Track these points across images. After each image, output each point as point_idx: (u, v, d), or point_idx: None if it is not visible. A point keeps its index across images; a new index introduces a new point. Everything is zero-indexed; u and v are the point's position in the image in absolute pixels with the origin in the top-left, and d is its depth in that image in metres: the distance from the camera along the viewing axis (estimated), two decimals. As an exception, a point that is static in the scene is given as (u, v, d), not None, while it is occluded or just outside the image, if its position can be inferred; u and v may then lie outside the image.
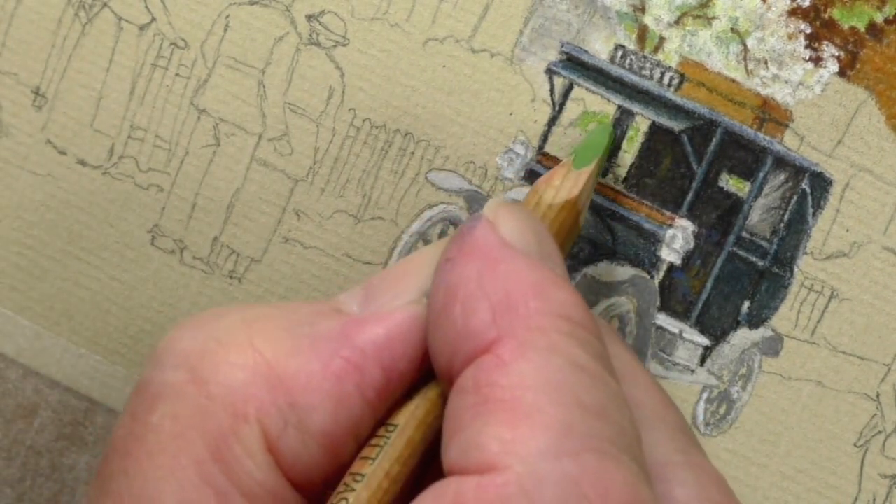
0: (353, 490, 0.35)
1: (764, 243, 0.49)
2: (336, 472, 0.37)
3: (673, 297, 0.49)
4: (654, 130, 0.48)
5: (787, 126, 0.48)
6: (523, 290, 0.35)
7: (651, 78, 0.48)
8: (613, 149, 0.49)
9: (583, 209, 0.42)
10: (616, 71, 0.48)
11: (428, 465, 0.36)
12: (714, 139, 0.48)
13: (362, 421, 0.37)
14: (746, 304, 0.49)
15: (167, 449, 0.36)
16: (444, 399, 0.36)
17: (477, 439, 0.33)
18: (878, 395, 0.48)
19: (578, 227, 0.43)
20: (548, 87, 0.48)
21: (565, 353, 0.34)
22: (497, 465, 0.32)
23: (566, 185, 0.42)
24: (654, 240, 0.48)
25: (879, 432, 0.49)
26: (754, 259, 0.49)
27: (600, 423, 0.33)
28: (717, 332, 0.49)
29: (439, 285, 0.36)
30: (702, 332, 0.49)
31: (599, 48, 0.48)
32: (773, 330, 0.49)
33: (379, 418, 0.37)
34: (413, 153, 0.49)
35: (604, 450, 0.33)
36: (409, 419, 0.36)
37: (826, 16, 0.47)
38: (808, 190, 0.48)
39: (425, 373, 0.37)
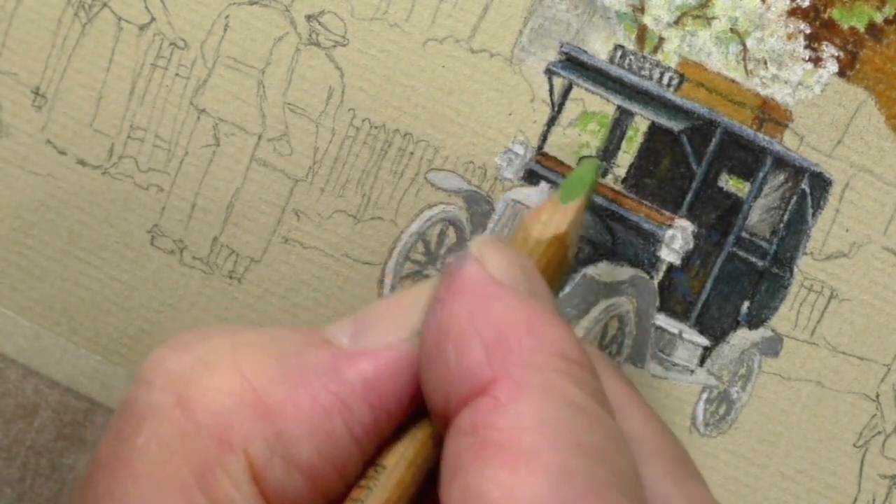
0: None
1: (764, 243, 0.49)
2: None
3: (673, 297, 0.49)
4: (654, 130, 0.48)
5: (786, 126, 0.48)
6: (516, 327, 0.35)
7: (650, 78, 0.48)
8: (613, 149, 0.49)
9: (571, 244, 0.42)
10: (615, 71, 0.48)
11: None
12: (714, 139, 0.48)
13: (349, 457, 0.37)
14: (746, 304, 0.49)
15: (153, 473, 0.35)
16: (434, 439, 0.36)
17: (476, 483, 0.33)
18: (877, 396, 0.48)
19: (568, 261, 0.42)
20: (547, 87, 0.48)
21: (562, 392, 0.34)
22: None
23: (554, 219, 0.41)
24: (653, 240, 0.48)
25: (879, 432, 0.49)
26: (754, 259, 0.49)
27: (600, 467, 0.33)
28: (716, 332, 0.49)
29: (431, 325, 0.36)
30: (701, 332, 0.49)
31: (599, 48, 0.48)
32: (772, 330, 0.49)
33: (366, 457, 0.37)
34: (413, 153, 0.49)
35: (604, 495, 0.33)
36: (399, 460, 0.36)
37: (826, 16, 0.47)
38: (807, 190, 0.48)
39: (414, 412, 0.37)
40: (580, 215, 0.42)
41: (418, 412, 0.37)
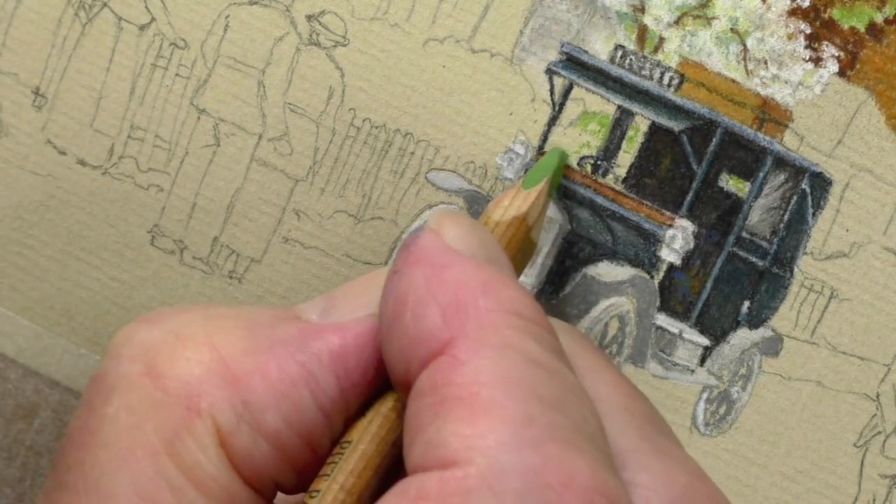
0: None
1: (764, 243, 0.49)
2: (288, 473, 0.37)
3: (673, 297, 0.49)
4: (654, 130, 0.48)
5: (786, 126, 0.48)
6: (472, 290, 0.35)
7: (651, 78, 0.48)
8: (613, 149, 0.49)
9: (534, 226, 0.43)
10: (616, 71, 0.48)
11: (390, 479, 0.37)
12: (714, 139, 0.48)
13: (315, 427, 0.37)
14: (746, 304, 0.49)
15: (122, 441, 0.36)
16: (398, 411, 0.37)
17: (437, 437, 0.33)
18: (878, 396, 0.48)
19: (532, 244, 0.43)
20: (548, 87, 0.48)
21: (519, 348, 0.34)
22: (458, 460, 0.32)
23: (515, 203, 0.42)
24: (653, 240, 0.48)
25: (879, 432, 0.49)
26: (754, 259, 0.49)
27: (559, 415, 0.33)
28: (717, 332, 0.49)
29: (388, 295, 0.37)
30: (702, 332, 0.49)
31: (599, 48, 0.48)
32: (773, 330, 0.49)
33: (334, 429, 0.38)
34: (413, 153, 0.49)
35: (566, 439, 0.33)
36: (363, 433, 0.37)
37: (826, 16, 0.47)
38: (807, 190, 0.48)
39: (380, 386, 0.38)
40: (543, 199, 0.43)
41: (384, 387, 0.38)
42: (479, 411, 0.33)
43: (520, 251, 0.42)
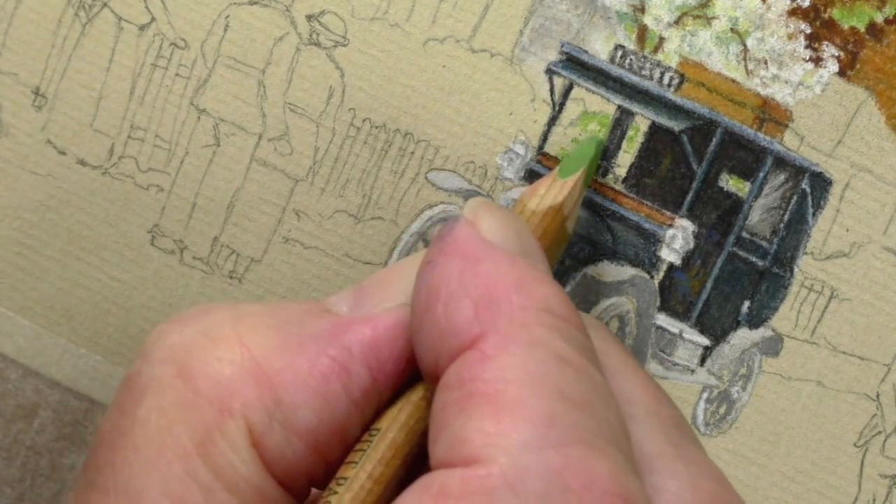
0: (335, 493, 0.35)
1: (764, 243, 0.49)
2: (321, 470, 0.37)
3: (673, 297, 0.49)
4: (654, 130, 0.48)
5: (787, 126, 0.48)
6: (505, 285, 0.35)
7: (651, 78, 0.48)
8: (613, 149, 0.49)
9: (569, 216, 0.42)
10: (616, 71, 0.48)
11: (418, 468, 0.36)
12: (714, 139, 0.48)
13: (348, 421, 0.37)
14: (746, 304, 0.49)
15: (153, 442, 0.36)
16: (428, 401, 0.36)
17: (461, 433, 0.33)
18: (878, 395, 0.48)
19: (566, 234, 0.43)
20: (548, 87, 0.48)
21: (548, 346, 0.34)
22: (481, 458, 0.32)
23: (551, 192, 0.42)
24: (653, 240, 0.48)
25: (879, 432, 0.49)
26: (754, 259, 0.49)
27: (584, 416, 0.33)
28: (717, 332, 0.49)
29: (421, 286, 0.36)
30: (702, 332, 0.49)
31: (599, 48, 0.48)
32: (773, 330, 0.49)
33: (366, 421, 0.37)
34: (413, 153, 0.49)
35: (589, 441, 0.33)
36: (393, 422, 0.37)
37: (826, 16, 0.47)
38: (808, 190, 0.48)
39: (412, 376, 0.38)
40: (578, 189, 0.43)
41: (416, 376, 0.37)
42: (504, 409, 0.33)
43: (554, 241, 0.42)
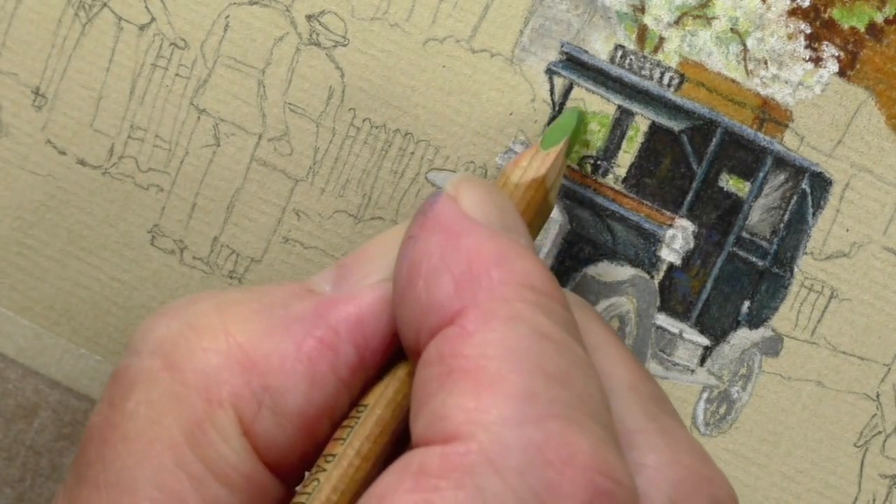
0: (324, 470, 0.35)
1: (764, 243, 0.49)
2: (312, 453, 0.37)
3: (673, 297, 0.49)
4: (654, 130, 0.48)
5: (786, 126, 0.48)
6: (486, 260, 0.35)
7: (651, 78, 0.48)
8: (613, 149, 0.49)
9: (552, 188, 0.42)
10: (616, 71, 0.48)
11: (404, 443, 0.36)
12: (714, 139, 0.48)
13: (337, 400, 0.37)
14: (746, 304, 0.49)
15: (142, 435, 0.36)
16: (411, 378, 0.36)
17: (441, 409, 0.33)
18: (878, 395, 0.48)
19: (549, 206, 0.42)
20: (548, 87, 0.48)
21: (529, 321, 0.34)
22: (460, 435, 0.32)
23: (533, 164, 0.42)
24: (653, 240, 0.48)
25: (879, 432, 0.49)
26: (754, 259, 0.49)
27: (565, 390, 0.33)
28: (717, 332, 0.49)
29: (402, 262, 0.36)
30: (702, 332, 0.49)
31: (599, 48, 0.48)
32: (773, 330, 0.49)
33: (354, 398, 0.37)
34: (413, 153, 0.49)
35: (569, 416, 0.33)
36: (379, 398, 0.37)
37: (826, 16, 0.47)
38: (808, 190, 0.48)
39: (399, 351, 0.38)
40: (561, 161, 0.43)
41: (402, 351, 0.37)
42: (484, 385, 0.33)
43: (537, 214, 0.42)
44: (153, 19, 0.49)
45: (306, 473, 0.38)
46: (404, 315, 0.36)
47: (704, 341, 0.49)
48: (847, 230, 0.48)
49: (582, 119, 0.47)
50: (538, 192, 0.41)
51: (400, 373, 0.37)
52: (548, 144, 0.43)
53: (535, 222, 0.42)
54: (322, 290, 0.38)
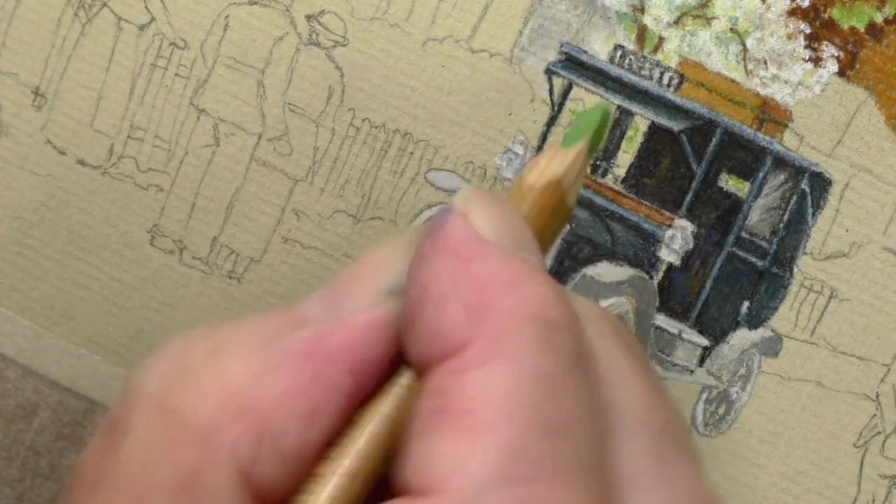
0: (311, 492, 0.35)
1: (763, 243, 0.49)
2: None
3: (672, 297, 0.49)
4: (654, 130, 0.48)
5: (786, 126, 0.48)
6: (496, 288, 0.35)
7: (650, 78, 0.48)
8: (613, 149, 0.49)
9: (570, 189, 0.41)
10: (615, 71, 0.48)
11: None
12: (713, 139, 0.48)
13: (335, 426, 0.37)
14: (746, 304, 0.49)
15: (136, 484, 0.35)
16: (405, 390, 0.36)
17: (425, 456, 0.33)
18: (877, 396, 0.48)
19: (567, 208, 0.41)
20: (547, 87, 0.48)
21: (533, 360, 0.33)
22: (435, 489, 0.32)
23: (552, 165, 0.41)
24: (653, 240, 0.48)
25: (879, 432, 0.49)
26: (754, 259, 0.49)
27: (560, 442, 0.33)
28: (716, 332, 0.49)
29: (414, 282, 0.36)
30: (701, 332, 0.49)
31: (599, 48, 0.48)
32: (772, 330, 0.49)
33: (349, 418, 0.37)
34: (412, 153, 0.49)
35: (556, 476, 0.32)
36: (371, 415, 0.36)
37: (826, 16, 0.47)
38: (807, 190, 0.48)
39: (394, 370, 0.37)
40: (581, 161, 0.41)
41: (397, 369, 0.37)
42: (473, 433, 0.32)
43: (554, 218, 0.41)
44: (153, 19, 0.49)
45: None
46: (412, 337, 0.36)
47: (704, 342, 0.49)
48: (847, 230, 0.48)
49: (607, 116, 0.46)
50: (554, 195, 0.40)
51: (393, 389, 0.37)
52: (569, 143, 0.42)
53: (553, 226, 0.41)
54: (316, 315, 0.38)
